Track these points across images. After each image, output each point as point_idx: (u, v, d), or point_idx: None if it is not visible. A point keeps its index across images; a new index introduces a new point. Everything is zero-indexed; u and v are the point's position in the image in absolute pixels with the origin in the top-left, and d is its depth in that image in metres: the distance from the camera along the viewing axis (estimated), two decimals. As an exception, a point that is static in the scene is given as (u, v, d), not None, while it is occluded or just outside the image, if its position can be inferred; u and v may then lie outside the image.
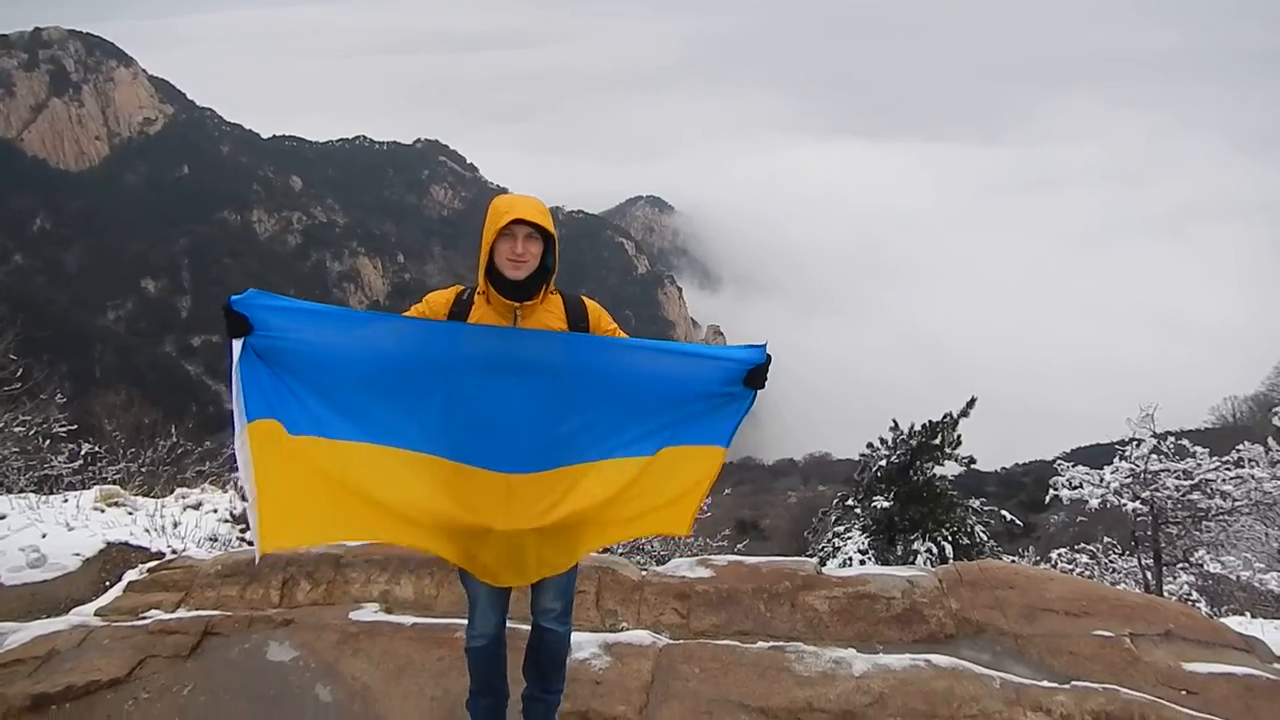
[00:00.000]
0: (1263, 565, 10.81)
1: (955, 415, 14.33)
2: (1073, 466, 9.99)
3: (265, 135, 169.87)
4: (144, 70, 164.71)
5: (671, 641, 4.84)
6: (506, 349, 3.13)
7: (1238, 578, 10.59)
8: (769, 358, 3.38)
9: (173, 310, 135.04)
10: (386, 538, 3.35)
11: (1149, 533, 9.28)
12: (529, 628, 3.64)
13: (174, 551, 6.89)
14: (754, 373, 3.36)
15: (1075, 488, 9.66)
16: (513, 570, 3.33)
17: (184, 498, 8.38)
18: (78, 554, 6.53)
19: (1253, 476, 9.10)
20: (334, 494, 3.19)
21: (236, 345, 3.04)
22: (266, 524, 3.15)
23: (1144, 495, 9.05)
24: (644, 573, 5.77)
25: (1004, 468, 56.34)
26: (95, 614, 5.51)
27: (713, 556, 6.08)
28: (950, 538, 13.89)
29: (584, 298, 3.43)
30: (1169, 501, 9.10)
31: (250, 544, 7.27)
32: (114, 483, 10.32)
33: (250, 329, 3.04)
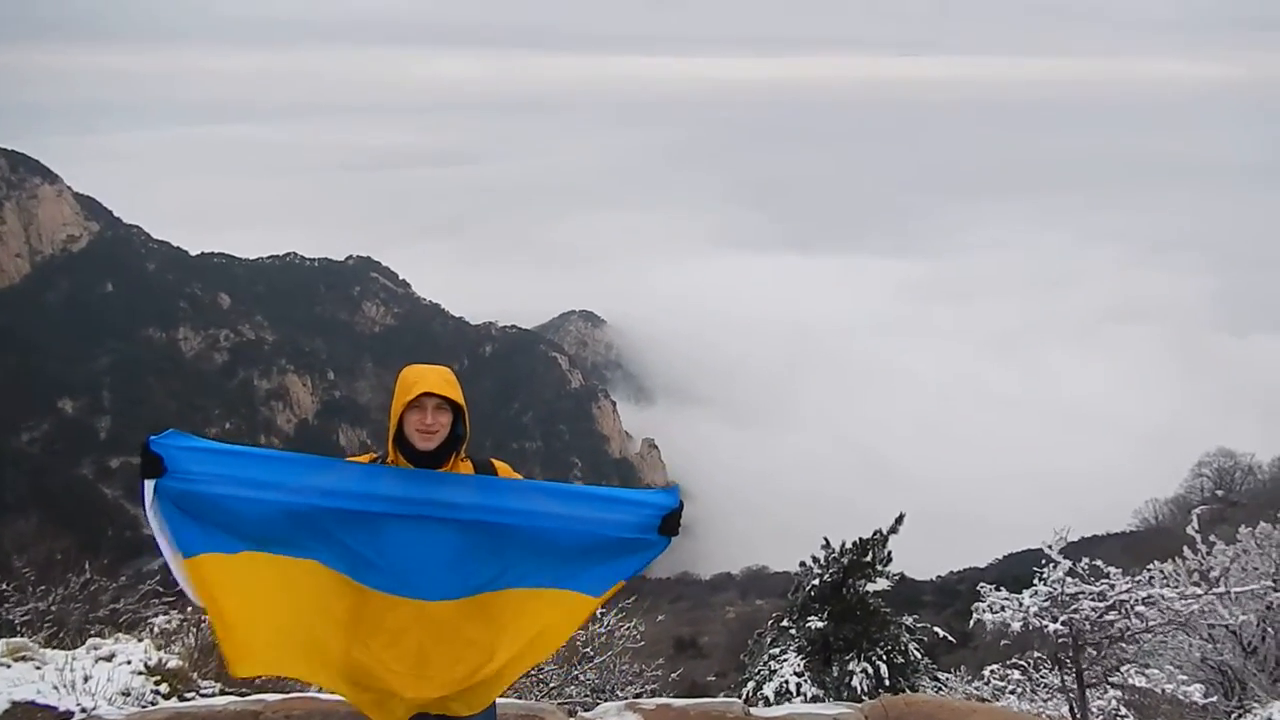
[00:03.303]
0: (1185, 677, 11.01)
1: (885, 532, 14.52)
2: (994, 589, 10.15)
3: (194, 252, 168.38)
4: (69, 187, 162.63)
5: (597, 799, 4.79)
6: (422, 491, 3.24)
7: (1162, 691, 10.76)
8: (682, 503, 3.49)
9: (91, 431, 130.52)
10: (325, 677, 3.39)
11: (1070, 654, 9.43)
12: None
13: (84, 710, 6.57)
14: (668, 519, 3.46)
15: (998, 611, 9.81)
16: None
17: (96, 649, 8.02)
18: (-21, 715, 6.24)
19: (1163, 597, 9.35)
20: (278, 616, 3.26)
21: (149, 486, 3.13)
22: (231, 651, 3.24)
23: (1062, 618, 9.23)
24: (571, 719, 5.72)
25: (939, 576, 56.70)
26: (-4, 783, 5.26)
27: (641, 700, 6.07)
28: (885, 657, 13.90)
29: (494, 460, 3.55)
30: (1086, 623, 9.29)
31: (166, 698, 7.03)
32: (22, 624, 9.86)
33: (164, 470, 3.12)
